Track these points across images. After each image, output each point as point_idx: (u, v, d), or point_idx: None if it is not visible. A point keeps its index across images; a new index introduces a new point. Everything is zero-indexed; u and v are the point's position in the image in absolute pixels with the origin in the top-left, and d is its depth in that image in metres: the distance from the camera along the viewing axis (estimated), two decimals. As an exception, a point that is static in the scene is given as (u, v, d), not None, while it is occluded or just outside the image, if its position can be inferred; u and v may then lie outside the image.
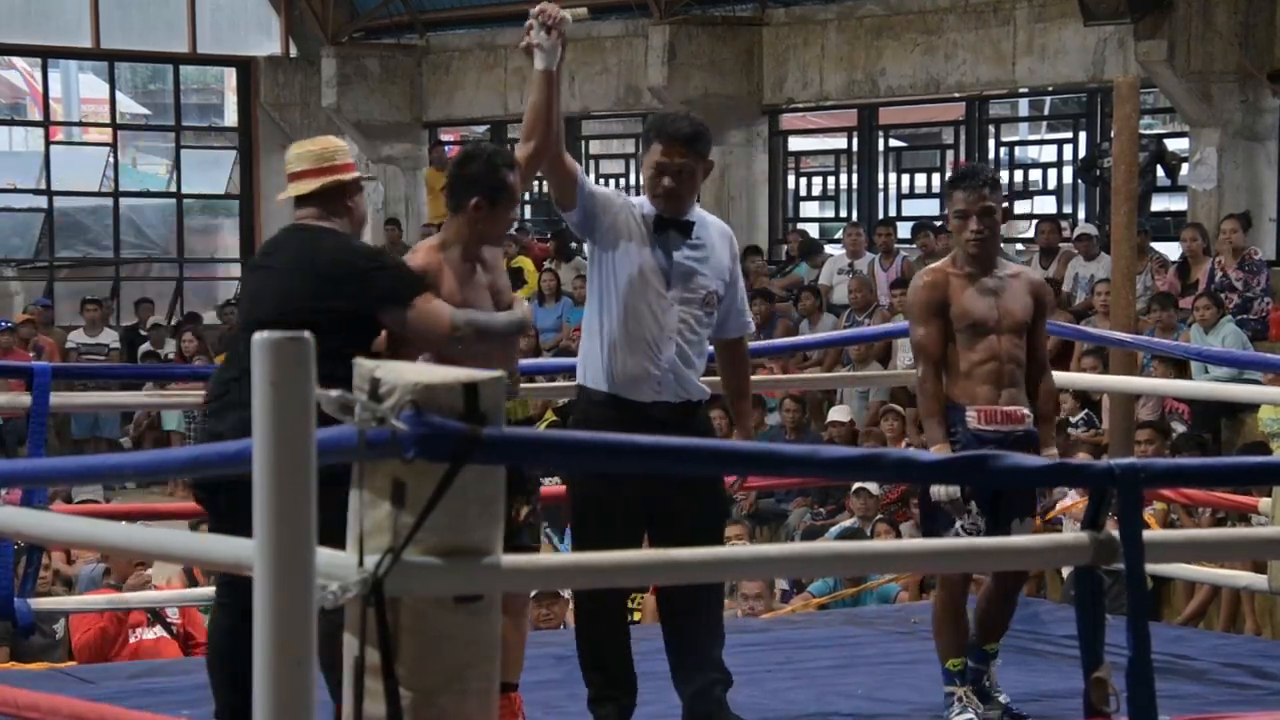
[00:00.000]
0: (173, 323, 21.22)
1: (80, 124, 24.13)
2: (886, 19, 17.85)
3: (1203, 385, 11.22)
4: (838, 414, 14.37)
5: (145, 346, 19.66)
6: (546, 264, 18.65)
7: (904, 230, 17.52)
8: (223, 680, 5.28)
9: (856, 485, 11.92)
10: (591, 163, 20.37)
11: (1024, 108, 20.61)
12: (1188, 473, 4.79)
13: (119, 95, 23.17)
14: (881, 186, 19.04)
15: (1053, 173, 17.89)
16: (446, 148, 22.11)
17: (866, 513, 11.90)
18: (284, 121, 22.53)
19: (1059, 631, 7.07)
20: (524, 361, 6.74)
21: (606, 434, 4.13)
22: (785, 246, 18.92)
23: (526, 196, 19.34)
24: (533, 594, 8.14)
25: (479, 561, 3.33)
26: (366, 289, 5.19)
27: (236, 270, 23.17)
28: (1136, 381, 9.53)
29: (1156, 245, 15.46)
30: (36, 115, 23.46)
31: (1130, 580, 3.75)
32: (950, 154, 18.62)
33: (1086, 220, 16.68)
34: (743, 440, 5.87)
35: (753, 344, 6.84)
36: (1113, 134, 8.49)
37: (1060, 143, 18.03)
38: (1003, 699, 6.01)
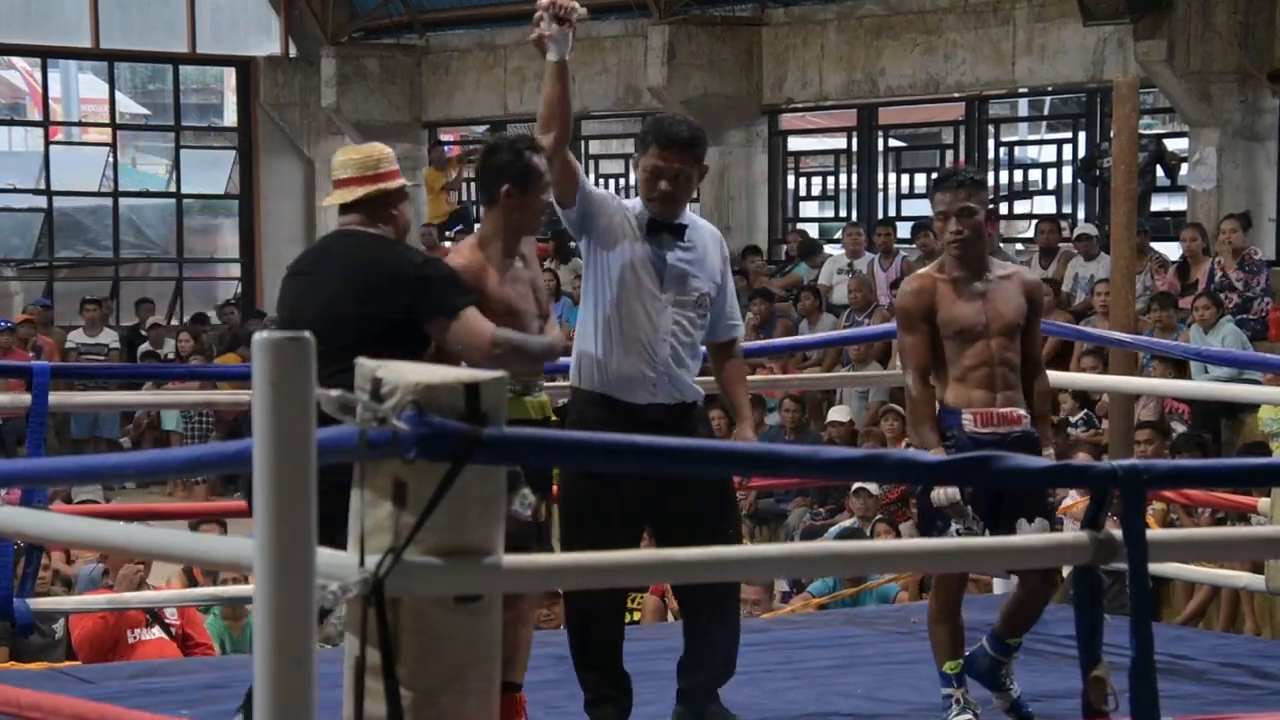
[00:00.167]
0: (174, 323, 21.23)
1: (80, 124, 24.13)
2: (886, 19, 17.85)
3: (1202, 385, 11.22)
4: (837, 414, 14.37)
5: (145, 346, 19.67)
6: (545, 264, 18.64)
7: (903, 230, 17.53)
8: None
9: (856, 485, 11.92)
10: (591, 163, 20.36)
11: (1024, 108, 20.61)
12: (1190, 473, 4.79)
13: (119, 95, 23.17)
14: (881, 186, 19.04)
15: (1052, 173, 17.88)
16: (446, 148, 22.13)
17: (866, 513, 11.90)
18: (283, 122, 22.53)
19: (1059, 631, 7.05)
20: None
21: (606, 434, 4.14)
22: (785, 246, 18.91)
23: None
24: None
25: (479, 561, 3.33)
26: (413, 297, 5.16)
27: (236, 270, 23.19)
28: (1136, 381, 9.54)
29: (1156, 245, 15.46)
30: (36, 115, 23.47)
31: (1133, 581, 3.75)
32: (950, 154, 18.62)
33: (1086, 220, 16.69)
34: (744, 440, 5.86)
35: (753, 344, 6.85)
36: (1112, 134, 8.49)
37: (1060, 143, 18.03)
38: (1014, 693, 6.02)
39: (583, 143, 20.37)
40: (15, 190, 22.40)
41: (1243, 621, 10.57)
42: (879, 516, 11.78)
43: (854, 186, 19.00)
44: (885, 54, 17.86)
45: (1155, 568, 7.13)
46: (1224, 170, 15.45)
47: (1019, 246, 17.31)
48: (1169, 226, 16.55)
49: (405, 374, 3.30)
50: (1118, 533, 3.70)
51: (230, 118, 23.74)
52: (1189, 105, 15.48)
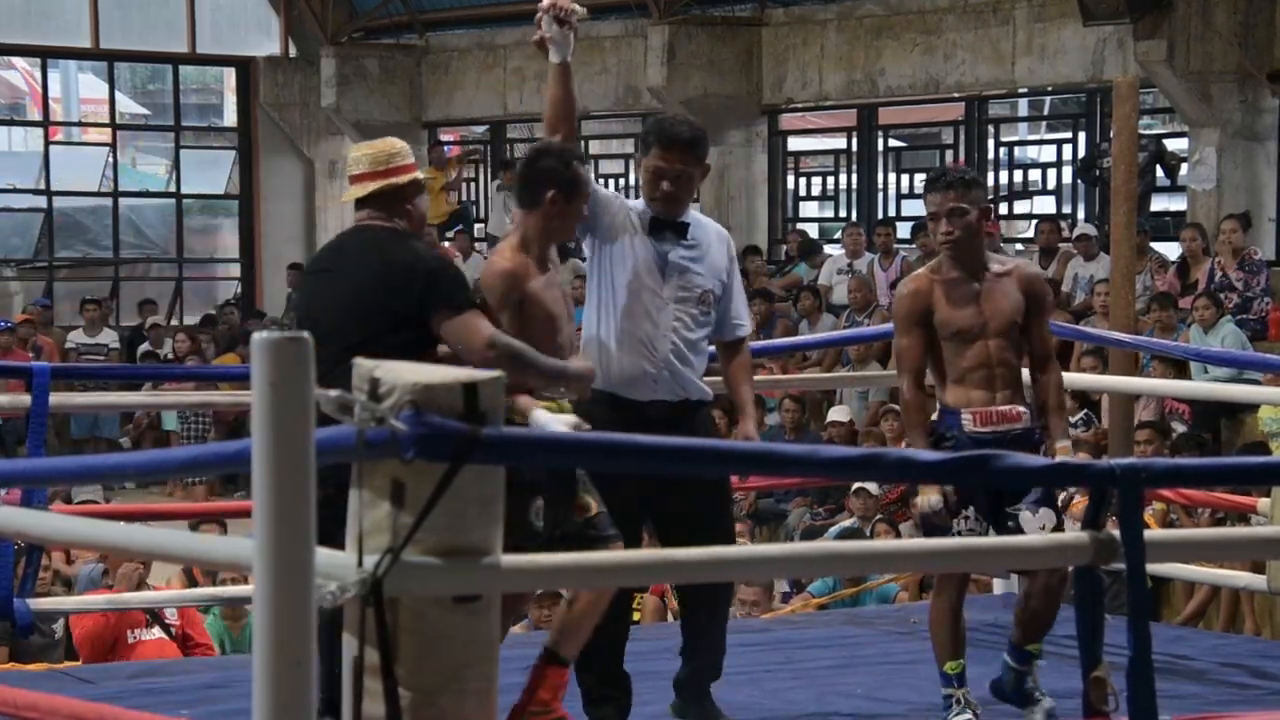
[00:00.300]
0: (174, 323, 21.22)
1: (80, 124, 24.13)
2: (886, 19, 17.85)
3: (1202, 385, 11.22)
4: (837, 414, 14.37)
5: (144, 346, 19.67)
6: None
7: (903, 230, 17.53)
8: None
9: (856, 485, 11.92)
10: (591, 163, 20.37)
11: (1023, 108, 20.61)
12: (1188, 473, 4.78)
13: (118, 95, 23.16)
14: (881, 186, 19.04)
15: (1052, 173, 17.88)
16: (446, 148, 22.11)
17: (866, 513, 11.90)
18: (283, 122, 22.53)
19: (1059, 631, 7.04)
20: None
21: (606, 434, 4.13)
22: (785, 246, 18.91)
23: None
24: (536, 593, 8.14)
25: (478, 561, 3.33)
26: (424, 290, 5.16)
27: (236, 270, 23.19)
28: (1136, 382, 9.53)
29: (1156, 245, 15.46)
30: (36, 115, 23.46)
31: (1131, 580, 3.75)
32: (950, 154, 18.62)
33: (1086, 220, 16.68)
34: (746, 437, 5.86)
35: (753, 344, 6.84)
36: (1112, 134, 8.49)
37: (1060, 143, 18.03)
38: (1046, 704, 5.91)
39: (583, 143, 20.37)
40: (15, 190, 22.40)
41: (1243, 621, 10.56)
42: (879, 516, 11.78)
43: (854, 186, 18.99)
44: (885, 54, 17.85)
45: (1155, 568, 7.13)
46: (1224, 170, 15.45)
47: (1019, 247, 17.30)
48: (1169, 226, 16.55)
49: (403, 374, 3.30)
50: (1118, 533, 3.70)
51: (230, 118, 23.73)
52: (1189, 105, 15.47)
